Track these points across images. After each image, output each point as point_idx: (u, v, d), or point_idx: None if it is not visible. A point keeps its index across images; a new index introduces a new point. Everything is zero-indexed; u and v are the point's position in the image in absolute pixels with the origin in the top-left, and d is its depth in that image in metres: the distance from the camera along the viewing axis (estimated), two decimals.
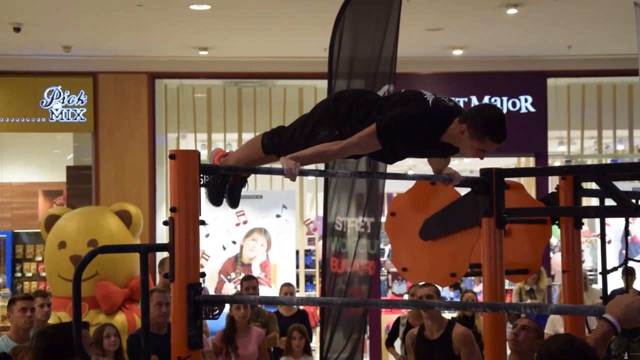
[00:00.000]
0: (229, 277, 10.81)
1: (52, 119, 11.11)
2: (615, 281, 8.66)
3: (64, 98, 11.10)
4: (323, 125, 3.87)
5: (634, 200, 4.39)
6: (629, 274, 6.91)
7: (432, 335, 6.43)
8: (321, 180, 8.69)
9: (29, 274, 11.81)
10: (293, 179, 3.67)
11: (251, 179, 14.40)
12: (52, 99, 11.09)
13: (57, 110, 11.11)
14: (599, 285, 8.49)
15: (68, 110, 11.11)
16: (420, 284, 6.78)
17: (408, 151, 3.94)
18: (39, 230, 10.13)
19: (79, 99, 11.12)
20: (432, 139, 3.78)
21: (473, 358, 6.33)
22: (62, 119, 11.12)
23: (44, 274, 10.73)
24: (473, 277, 13.29)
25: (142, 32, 10.10)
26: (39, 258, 11.67)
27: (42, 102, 11.09)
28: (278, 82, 11.61)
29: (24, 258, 11.96)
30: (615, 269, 5.56)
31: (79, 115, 11.12)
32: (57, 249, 9.22)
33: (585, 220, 6.87)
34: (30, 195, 13.26)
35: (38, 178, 13.50)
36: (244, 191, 4.16)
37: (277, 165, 3.68)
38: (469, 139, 3.70)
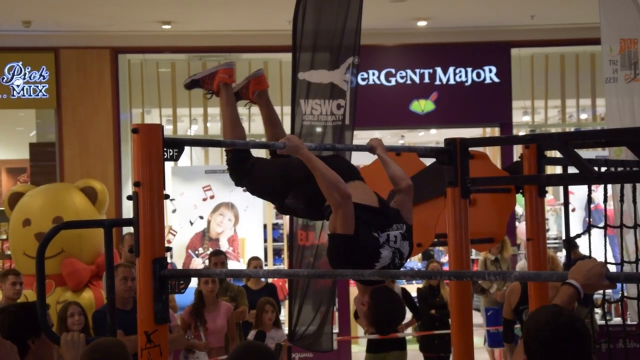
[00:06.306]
0: (196, 252, 10.78)
1: (13, 95, 10.96)
2: (581, 249, 8.78)
3: (25, 74, 10.94)
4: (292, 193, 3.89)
5: (596, 168, 4.44)
6: (571, 246, 7.00)
7: None
8: None
9: None
10: (290, 153, 3.69)
11: (217, 153, 14.11)
12: (13, 75, 10.93)
13: (18, 86, 10.95)
14: (563, 253, 8.60)
15: (30, 87, 10.97)
16: None
17: None
18: (2, 208, 10.01)
19: (40, 75, 10.96)
20: None
21: None
22: (24, 95, 10.97)
23: (9, 252, 10.63)
24: (442, 248, 13.39)
25: (104, 6, 9.95)
26: (4, 236, 11.55)
27: (3, 78, 10.93)
28: (243, 55, 11.53)
29: None
30: (578, 236, 5.65)
31: (41, 91, 10.98)
32: (22, 226, 9.13)
33: (549, 189, 6.92)
34: None
35: (1, 155, 13.32)
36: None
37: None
38: None
